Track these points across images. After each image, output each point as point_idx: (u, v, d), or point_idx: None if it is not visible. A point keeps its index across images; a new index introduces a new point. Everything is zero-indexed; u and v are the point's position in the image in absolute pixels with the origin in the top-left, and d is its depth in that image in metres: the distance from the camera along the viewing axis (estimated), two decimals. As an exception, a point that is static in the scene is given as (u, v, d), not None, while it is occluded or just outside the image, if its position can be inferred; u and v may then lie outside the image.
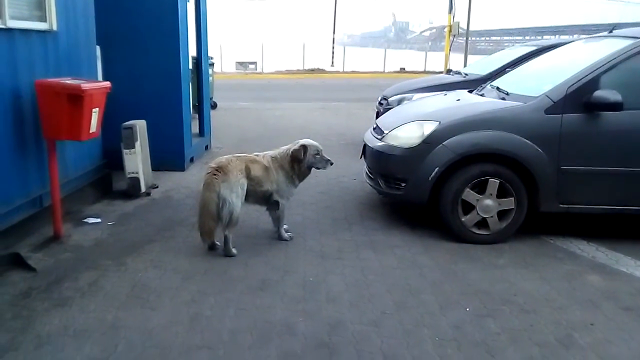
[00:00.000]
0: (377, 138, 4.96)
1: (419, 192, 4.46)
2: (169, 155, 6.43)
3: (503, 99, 4.68)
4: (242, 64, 27.02)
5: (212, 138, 8.26)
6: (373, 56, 31.23)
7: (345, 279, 3.71)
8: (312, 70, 27.77)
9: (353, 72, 27.71)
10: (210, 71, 10.08)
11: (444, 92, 6.32)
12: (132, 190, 5.45)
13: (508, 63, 7.34)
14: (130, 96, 5.90)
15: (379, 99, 8.21)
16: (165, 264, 3.89)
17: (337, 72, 28.06)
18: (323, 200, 5.51)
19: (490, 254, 4.17)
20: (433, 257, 4.10)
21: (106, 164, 5.59)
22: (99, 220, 4.76)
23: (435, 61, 29.46)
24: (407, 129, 4.66)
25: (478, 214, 4.34)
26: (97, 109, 4.21)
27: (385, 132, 4.86)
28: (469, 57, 26.92)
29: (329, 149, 4.60)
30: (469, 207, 4.35)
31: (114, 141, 5.43)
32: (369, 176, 5.09)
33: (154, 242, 4.31)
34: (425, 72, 25.71)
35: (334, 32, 33.91)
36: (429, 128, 4.46)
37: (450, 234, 4.43)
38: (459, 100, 5.11)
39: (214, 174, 3.93)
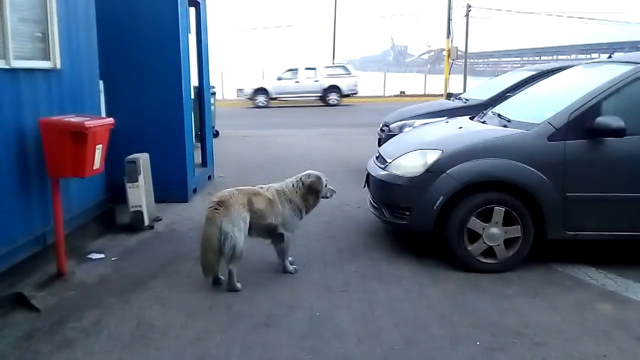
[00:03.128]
0: (380, 167, 4.96)
1: (424, 221, 4.43)
2: (171, 186, 6.42)
3: (505, 126, 4.68)
4: (242, 91, 27.11)
5: (215, 167, 8.26)
6: (373, 80, 31.43)
7: (352, 312, 3.66)
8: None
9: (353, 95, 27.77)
10: (212, 100, 10.17)
11: (446, 119, 6.34)
12: (135, 224, 5.44)
13: (508, 88, 7.37)
14: (133, 128, 5.90)
15: (381, 126, 8.24)
16: (169, 300, 3.86)
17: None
18: (327, 230, 5.47)
19: (498, 284, 4.12)
20: (440, 288, 4.05)
21: (109, 198, 5.58)
22: (102, 255, 4.73)
23: (435, 84, 29.61)
24: (410, 158, 4.66)
25: (484, 242, 4.31)
26: (101, 145, 4.22)
27: (389, 161, 4.85)
28: (468, 78, 27.17)
29: (332, 177, 4.59)
30: (475, 236, 4.32)
31: (116, 173, 5.44)
32: (373, 205, 5.07)
33: (157, 277, 4.27)
34: (425, 95, 25.80)
35: (333, 57, 34.20)
36: (432, 157, 4.46)
37: (457, 264, 4.39)
38: (460, 127, 5.12)
39: (216, 209, 3.91)
